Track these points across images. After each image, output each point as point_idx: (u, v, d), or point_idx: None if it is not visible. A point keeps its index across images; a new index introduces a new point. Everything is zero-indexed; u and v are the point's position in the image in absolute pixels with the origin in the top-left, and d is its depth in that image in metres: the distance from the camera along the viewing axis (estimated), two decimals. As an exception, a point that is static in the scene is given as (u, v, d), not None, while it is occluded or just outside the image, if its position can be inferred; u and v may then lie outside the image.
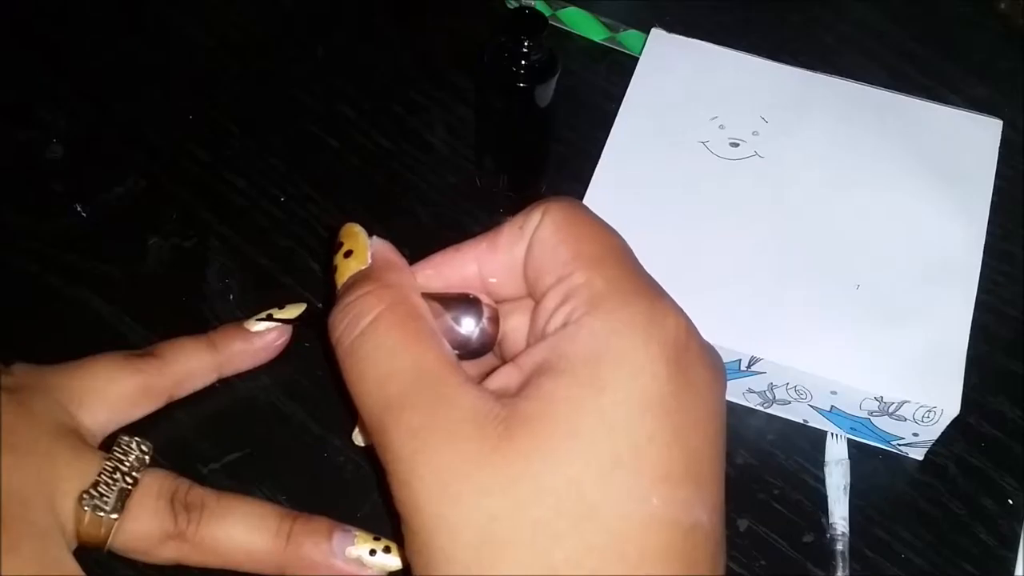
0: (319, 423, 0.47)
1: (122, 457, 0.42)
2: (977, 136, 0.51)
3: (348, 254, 0.35)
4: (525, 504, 0.29)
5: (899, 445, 0.47)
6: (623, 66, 0.54)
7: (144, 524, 0.41)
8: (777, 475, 0.47)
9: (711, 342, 0.45)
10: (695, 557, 0.29)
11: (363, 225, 0.51)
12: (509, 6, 0.59)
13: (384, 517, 0.45)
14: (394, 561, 0.42)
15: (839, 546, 0.45)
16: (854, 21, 0.60)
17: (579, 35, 0.58)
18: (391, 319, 0.32)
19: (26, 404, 0.42)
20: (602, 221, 0.34)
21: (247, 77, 0.57)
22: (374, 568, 0.42)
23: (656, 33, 0.53)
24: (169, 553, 0.41)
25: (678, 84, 0.52)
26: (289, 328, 0.47)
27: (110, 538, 0.41)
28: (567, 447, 0.29)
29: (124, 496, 0.41)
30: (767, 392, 0.47)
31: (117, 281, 0.50)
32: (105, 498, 0.40)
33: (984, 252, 0.48)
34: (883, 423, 0.46)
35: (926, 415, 0.45)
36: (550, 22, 0.49)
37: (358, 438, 0.39)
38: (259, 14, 0.59)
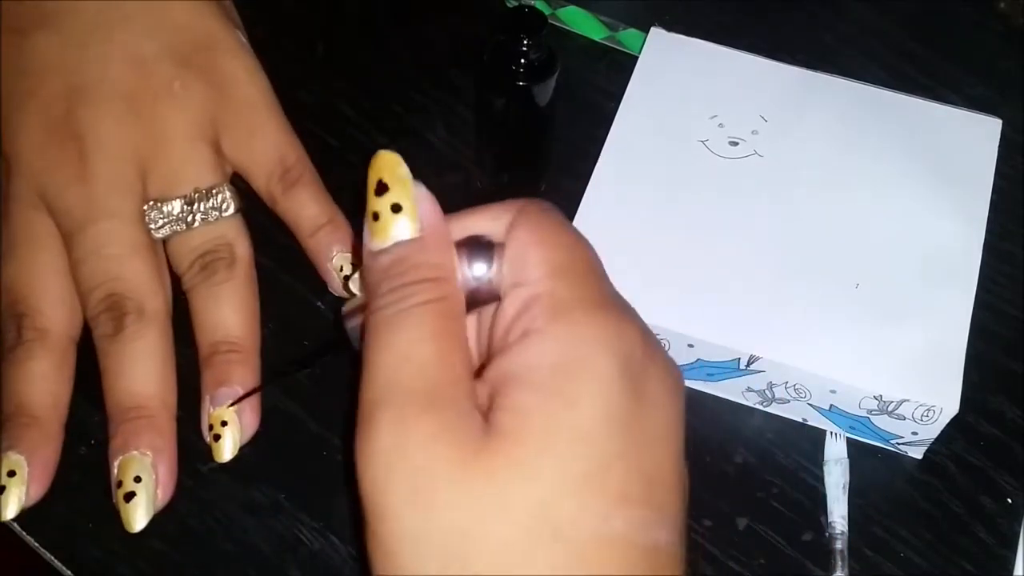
0: (319, 422, 0.47)
1: (204, 200, 0.47)
2: (977, 136, 0.51)
3: (397, 208, 0.32)
4: (494, 521, 0.29)
5: (898, 444, 0.47)
6: (622, 65, 0.54)
7: (173, 254, 0.48)
8: (776, 474, 0.47)
9: (710, 341, 0.45)
10: None
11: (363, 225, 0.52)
12: (509, 5, 0.59)
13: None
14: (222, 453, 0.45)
15: (838, 545, 0.45)
16: (854, 21, 0.60)
17: (578, 34, 0.58)
18: (438, 311, 0.31)
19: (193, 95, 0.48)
20: (574, 230, 0.33)
21: (247, 76, 0.57)
22: (207, 438, 0.45)
23: (656, 32, 0.53)
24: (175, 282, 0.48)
25: (678, 83, 0.52)
26: None
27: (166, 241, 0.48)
28: (539, 463, 0.29)
29: (173, 232, 0.47)
30: (766, 391, 0.47)
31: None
32: (159, 222, 0.47)
33: (984, 251, 0.48)
34: (882, 422, 0.46)
35: (925, 414, 0.45)
36: (549, 21, 0.50)
37: (354, 285, 0.37)
38: (259, 14, 0.59)
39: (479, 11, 0.59)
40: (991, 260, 0.49)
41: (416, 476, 0.29)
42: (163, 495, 0.44)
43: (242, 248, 0.48)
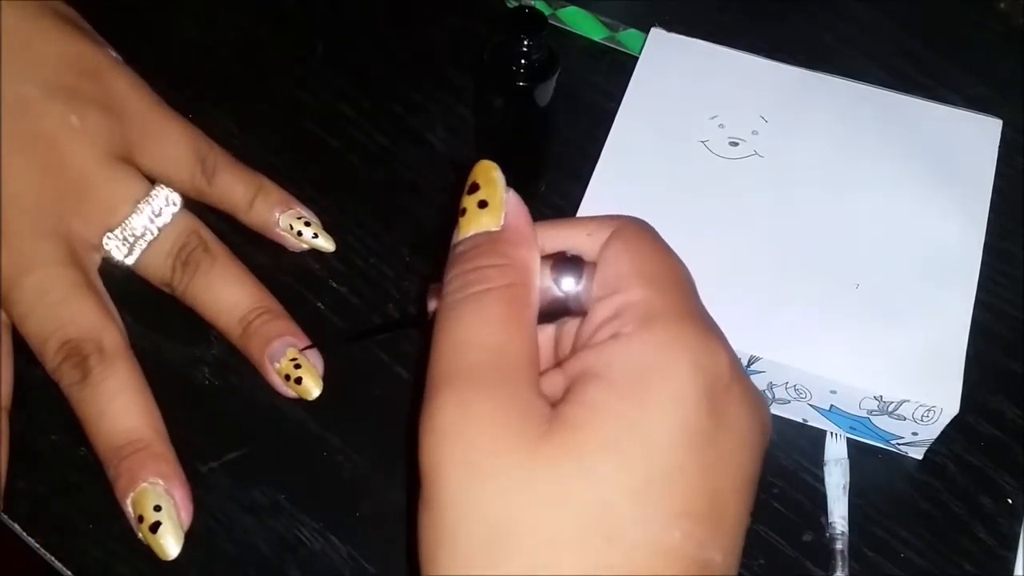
0: (318, 422, 0.47)
1: (152, 202, 0.47)
2: (977, 136, 0.51)
3: (483, 204, 0.34)
4: (547, 509, 0.28)
5: (898, 444, 0.47)
6: (623, 65, 0.54)
7: (152, 270, 0.48)
8: (776, 474, 0.47)
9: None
10: None
11: (363, 224, 0.52)
12: (509, 5, 0.59)
13: (382, 516, 0.45)
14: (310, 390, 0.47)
15: (838, 545, 0.45)
16: (854, 21, 0.60)
17: (579, 34, 0.58)
18: (503, 296, 0.32)
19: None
20: (667, 247, 0.34)
21: (247, 77, 0.57)
22: (287, 391, 0.47)
23: (656, 32, 0.53)
24: (168, 291, 0.48)
25: (678, 83, 0.52)
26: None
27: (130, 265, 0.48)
28: (603, 460, 0.29)
29: (147, 244, 0.47)
30: (767, 391, 0.47)
31: (117, 278, 0.50)
32: (127, 247, 0.47)
33: (984, 251, 0.48)
34: (882, 422, 0.46)
35: (925, 414, 0.45)
36: (550, 21, 0.50)
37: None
38: (259, 14, 0.59)
39: (479, 11, 0.59)
40: (991, 260, 0.49)
41: (472, 451, 0.29)
42: (186, 517, 0.44)
43: (205, 231, 0.49)
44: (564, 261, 0.33)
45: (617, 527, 0.28)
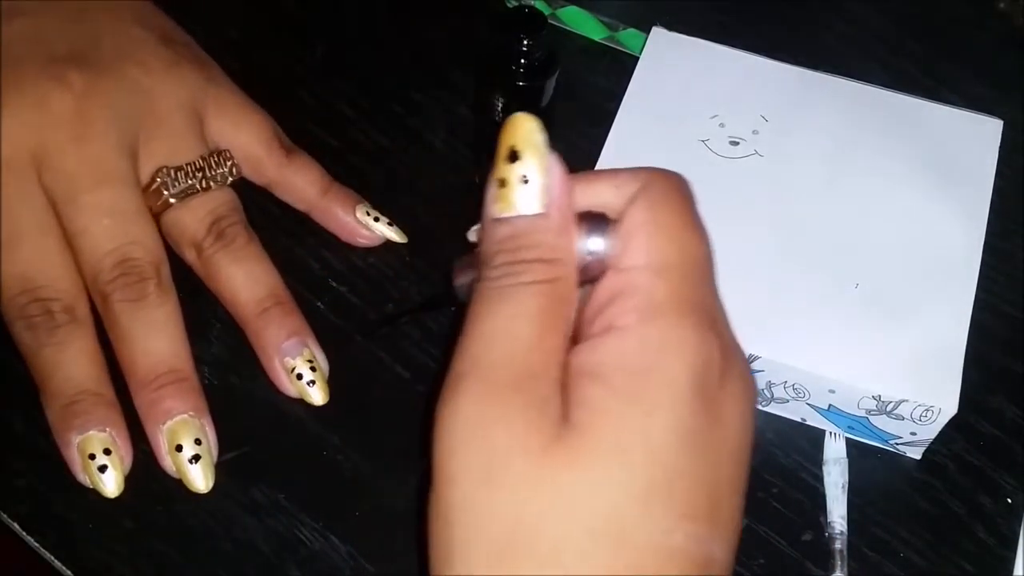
0: (318, 422, 0.47)
1: (213, 164, 0.47)
2: (977, 136, 0.51)
3: (525, 180, 0.31)
4: (556, 515, 0.28)
5: (897, 444, 0.47)
6: (623, 65, 0.54)
7: (184, 223, 0.47)
8: (776, 474, 0.47)
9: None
10: None
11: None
12: (509, 5, 0.59)
13: (382, 516, 0.45)
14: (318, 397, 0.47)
15: (838, 545, 0.45)
16: (854, 21, 0.60)
17: (579, 34, 0.58)
18: (545, 291, 0.30)
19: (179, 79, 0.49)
20: (694, 217, 0.32)
21: (247, 77, 0.57)
22: (289, 388, 0.47)
23: (656, 32, 0.53)
24: (188, 257, 0.48)
25: (678, 83, 0.52)
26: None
27: (162, 214, 0.47)
28: (609, 465, 0.29)
29: (191, 193, 0.47)
30: (765, 390, 0.47)
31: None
32: (176, 183, 0.46)
33: (984, 251, 0.48)
34: (881, 422, 0.46)
35: (924, 414, 0.45)
36: (550, 21, 0.50)
37: (472, 234, 0.36)
38: (259, 14, 0.59)
39: (479, 11, 0.59)
40: (991, 260, 0.49)
41: (492, 453, 0.29)
42: (215, 455, 0.45)
43: (242, 212, 0.49)
44: (592, 219, 0.31)
45: (624, 531, 0.28)
